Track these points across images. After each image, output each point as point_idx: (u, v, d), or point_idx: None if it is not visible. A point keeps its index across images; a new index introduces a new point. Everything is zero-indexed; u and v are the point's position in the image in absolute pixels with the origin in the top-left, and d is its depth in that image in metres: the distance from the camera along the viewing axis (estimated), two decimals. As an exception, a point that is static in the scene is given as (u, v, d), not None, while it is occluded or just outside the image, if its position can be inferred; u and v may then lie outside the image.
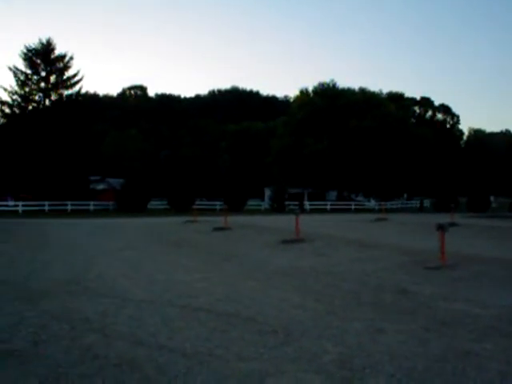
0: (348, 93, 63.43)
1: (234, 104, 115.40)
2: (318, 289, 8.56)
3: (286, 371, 4.44)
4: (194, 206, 31.24)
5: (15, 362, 4.69)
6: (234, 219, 23.57)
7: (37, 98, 48.26)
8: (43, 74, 48.06)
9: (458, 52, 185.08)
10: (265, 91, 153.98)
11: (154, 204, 51.12)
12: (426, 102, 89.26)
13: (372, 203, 59.89)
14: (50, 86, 48.25)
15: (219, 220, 22.29)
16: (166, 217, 34.61)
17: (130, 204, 43.99)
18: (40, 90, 48.01)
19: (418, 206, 60.60)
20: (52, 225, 25.50)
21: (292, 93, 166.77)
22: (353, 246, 13.97)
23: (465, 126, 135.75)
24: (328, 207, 54.03)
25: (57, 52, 48.57)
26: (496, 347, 5.11)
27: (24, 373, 4.39)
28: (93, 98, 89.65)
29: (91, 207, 46.36)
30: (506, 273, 9.50)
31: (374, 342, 5.31)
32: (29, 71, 47.90)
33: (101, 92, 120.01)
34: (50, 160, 44.16)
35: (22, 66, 47.75)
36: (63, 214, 40.23)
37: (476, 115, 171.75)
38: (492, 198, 59.59)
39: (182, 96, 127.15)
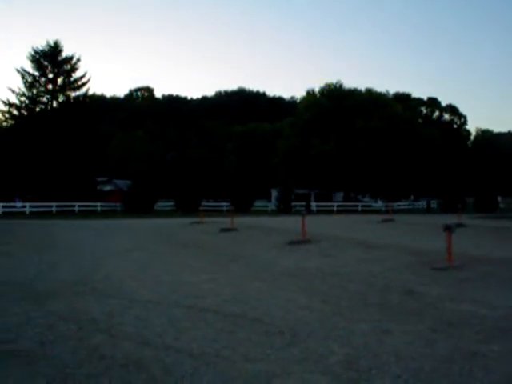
0: (354, 93, 63.31)
1: (241, 105, 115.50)
2: (325, 290, 8.55)
3: (293, 372, 4.44)
4: (201, 207, 31.28)
5: (22, 362, 4.71)
6: (240, 220, 23.58)
7: (44, 99, 48.56)
8: (51, 75, 48.33)
9: (465, 52, 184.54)
10: (271, 92, 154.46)
11: (160, 205, 51.24)
12: (432, 103, 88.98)
13: (379, 204, 59.75)
14: (57, 87, 48.52)
15: (226, 221, 22.30)
16: (173, 218, 34.66)
17: (136, 205, 44.11)
18: (47, 91, 48.28)
19: (425, 206, 60.35)
20: (59, 226, 25.60)
21: (298, 94, 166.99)
22: (359, 247, 13.93)
23: (472, 127, 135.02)
24: (335, 208, 53.93)
25: (64, 54, 48.97)
26: (503, 348, 5.09)
27: (31, 373, 4.41)
28: (100, 100, 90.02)
29: (98, 208, 46.53)
30: (513, 274, 9.44)
31: (380, 343, 5.30)
32: (36, 73, 48.21)
33: (108, 93, 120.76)
34: (57, 161, 44.38)
35: (29, 68, 48.14)
36: (70, 215, 40.38)
37: (483, 115, 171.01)
38: (500, 199, 59.24)
39: (189, 97, 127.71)
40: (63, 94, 48.93)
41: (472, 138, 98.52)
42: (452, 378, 4.31)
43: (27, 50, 54.96)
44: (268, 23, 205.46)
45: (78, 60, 49.24)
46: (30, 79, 47.95)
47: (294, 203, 51.46)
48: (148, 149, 78.26)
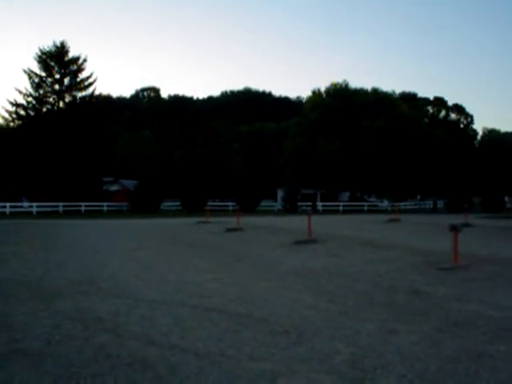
0: (360, 93, 63.20)
1: (247, 105, 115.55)
2: (331, 289, 8.54)
3: (298, 371, 4.44)
4: (207, 207, 31.32)
5: (29, 361, 4.74)
6: (246, 220, 23.59)
7: (51, 100, 48.75)
8: (57, 76, 48.54)
9: (472, 51, 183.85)
10: (277, 92, 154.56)
11: (166, 205, 51.34)
12: (439, 102, 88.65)
13: (385, 204, 59.61)
14: (64, 88, 48.72)
15: (232, 221, 22.32)
16: (179, 218, 34.72)
17: (143, 205, 44.23)
18: (54, 92, 48.48)
19: (432, 206, 60.18)
20: (66, 226, 25.70)
21: (304, 93, 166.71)
22: (366, 247, 13.91)
23: (479, 126, 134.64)
24: (341, 208, 53.86)
25: (70, 54, 49.18)
26: (509, 349, 5.07)
27: (38, 372, 4.43)
28: (106, 100, 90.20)
29: (105, 208, 46.68)
30: (520, 274, 9.40)
31: (386, 343, 5.29)
32: (43, 74, 48.43)
33: (114, 94, 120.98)
34: (64, 161, 44.56)
35: (36, 68, 48.38)
36: (77, 214, 40.54)
37: (490, 115, 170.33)
38: (507, 199, 58.96)
39: (195, 97, 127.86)
40: (70, 95, 49.14)
41: (479, 137, 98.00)
42: (458, 378, 4.29)
43: (34, 51, 55.22)
44: (274, 23, 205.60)
45: (85, 60, 49.51)
46: (36, 80, 48.20)
47: (300, 203, 51.41)
48: (154, 149, 78.47)
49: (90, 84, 49.69)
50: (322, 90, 65.25)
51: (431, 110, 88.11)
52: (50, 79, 48.45)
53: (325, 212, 49.31)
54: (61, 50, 48.53)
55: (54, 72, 48.48)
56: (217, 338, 5.47)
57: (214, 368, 4.50)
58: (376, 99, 61.15)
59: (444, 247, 12.17)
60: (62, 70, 48.59)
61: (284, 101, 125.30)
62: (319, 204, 55.11)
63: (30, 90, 47.93)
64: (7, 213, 39.84)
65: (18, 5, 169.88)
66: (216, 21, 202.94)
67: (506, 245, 14.99)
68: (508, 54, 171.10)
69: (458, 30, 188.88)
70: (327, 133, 57.85)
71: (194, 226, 24.21)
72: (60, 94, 48.54)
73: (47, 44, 49.37)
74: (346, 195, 63.03)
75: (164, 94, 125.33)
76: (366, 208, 55.17)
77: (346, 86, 64.32)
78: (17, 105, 47.62)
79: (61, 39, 49.33)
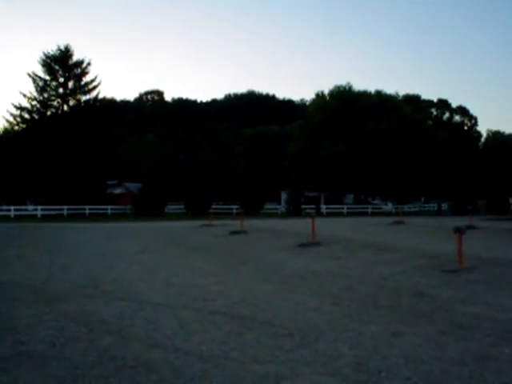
0: (364, 96, 63.16)
1: (250, 108, 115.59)
2: (335, 292, 8.53)
3: (302, 374, 4.44)
4: (211, 210, 31.32)
5: (34, 363, 4.76)
6: (250, 223, 23.59)
7: (55, 103, 48.91)
8: (61, 79, 48.72)
9: (476, 53, 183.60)
10: (281, 95, 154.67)
11: (170, 208, 51.39)
12: (442, 104, 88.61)
13: (389, 206, 59.55)
14: (68, 91, 48.88)
15: (235, 224, 22.32)
16: (183, 221, 34.75)
17: (147, 208, 44.28)
18: (58, 95, 48.64)
19: (436, 209, 60.07)
20: (70, 229, 25.76)
21: (308, 96, 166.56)
22: (369, 250, 13.88)
23: (483, 128, 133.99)
24: (344, 211, 53.82)
25: (74, 58, 49.33)
26: (514, 351, 5.05)
27: (42, 374, 4.45)
28: (110, 103, 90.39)
29: (109, 211, 46.77)
30: (525, 276, 9.37)
31: (390, 345, 5.28)
32: (47, 77, 48.60)
33: (118, 97, 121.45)
34: (68, 165, 44.67)
35: (40, 72, 48.56)
36: (81, 218, 40.64)
37: (494, 117, 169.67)
38: (511, 201, 58.78)
39: (199, 100, 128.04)
40: (74, 98, 49.30)
41: (483, 139, 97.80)
42: (462, 380, 4.28)
43: (38, 55, 55.42)
44: (277, 26, 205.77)
45: (89, 64, 49.66)
46: (41, 83, 48.38)
47: (303, 206, 51.41)
48: (158, 152, 78.57)
49: (94, 87, 49.86)
50: (326, 92, 65.30)
51: (435, 112, 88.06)
52: (54, 83, 48.63)
53: (329, 215, 49.25)
54: (65, 54, 48.72)
55: (59, 75, 48.67)
56: (221, 340, 5.48)
57: (217, 371, 4.51)
58: (379, 101, 61.11)
59: (448, 249, 12.14)
60: (66, 74, 48.77)
61: (287, 103, 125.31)
62: (323, 207, 55.09)
63: (35, 94, 48.18)
64: (12, 216, 39.98)
65: (22, 9, 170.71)
66: (219, 24, 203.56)
67: (511, 247, 14.94)
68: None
69: (461, 32, 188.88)
70: (331, 135, 57.84)
71: (198, 228, 24.22)
72: (64, 98, 48.70)
73: (51, 48, 49.72)
74: (349, 198, 62.99)
75: (168, 98, 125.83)
76: (369, 210, 55.11)
77: (350, 88, 64.29)
78: (21, 108, 47.81)
79: (65, 43, 49.76)
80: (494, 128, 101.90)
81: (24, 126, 48.49)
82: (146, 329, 6.00)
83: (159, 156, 76.65)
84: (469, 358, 4.83)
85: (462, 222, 22.52)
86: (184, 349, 5.17)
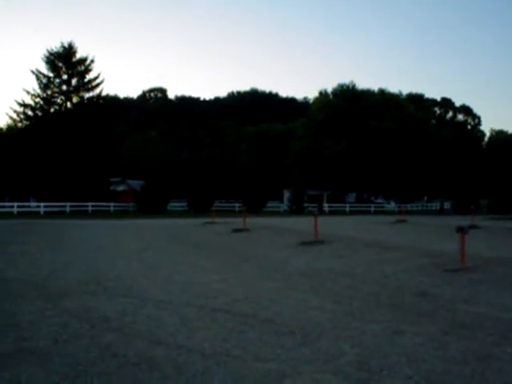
0: (367, 94, 63.12)
1: (254, 106, 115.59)
2: (337, 290, 8.53)
3: (303, 372, 4.44)
4: (213, 208, 31.32)
5: (37, 359, 4.76)
6: (252, 221, 23.59)
7: (59, 100, 49.01)
8: (65, 77, 48.78)
9: (479, 52, 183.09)
10: (284, 93, 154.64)
11: (173, 205, 51.45)
12: (446, 103, 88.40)
13: (392, 205, 59.50)
14: (71, 88, 48.95)
15: (238, 221, 22.32)
16: (185, 218, 34.77)
17: (149, 205, 44.34)
18: (62, 92, 48.71)
19: (439, 208, 59.96)
20: (73, 226, 25.79)
21: (311, 94, 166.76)
22: (372, 248, 13.87)
23: (486, 127, 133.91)
24: (347, 209, 53.78)
25: (78, 55, 49.42)
26: (516, 350, 5.04)
27: (45, 371, 4.45)
28: (113, 101, 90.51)
29: (111, 208, 46.84)
30: (527, 276, 9.35)
31: (391, 344, 5.28)
32: (51, 74, 48.69)
33: (121, 94, 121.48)
34: (71, 162, 44.76)
35: (44, 69, 48.64)
36: (84, 215, 40.68)
37: (498, 116, 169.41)
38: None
39: (202, 98, 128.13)
40: (77, 95, 49.37)
41: (486, 138, 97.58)
42: (464, 379, 4.28)
43: (41, 52, 55.45)
44: (281, 24, 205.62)
45: (92, 61, 49.71)
46: (44, 80, 48.45)
47: (306, 204, 51.40)
48: (161, 149, 78.62)
49: (98, 85, 49.94)
50: (329, 90, 65.34)
51: (438, 111, 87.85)
52: (57, 80, 48.70)
53: (331, 213, 49.24)
54: (68, 51, 48.77)
55: (62, 73, 48.72)
56: (223, 338, 5.48)
57: (219, 368, 4.51)
58: (383, 100, 61.06)
59: (451, 249, 12.12)
60: (70, 71, 48.82)
61: (291, 101, 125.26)
62: (326, 205, 55.07)
63: (38, 91, 48.28)
64: (15, 213, 40.05)
65: (26, 6, 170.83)
66: (223, 22, 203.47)
67: (514, 246, 14.91)
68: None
69: (466, 31, 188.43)
70: (334, 134, 57.80)
71: (201, 226, 24.24)
72: (68, 95, 48.76)
73: (55, 45, 49.67)
74: (352, 196, 62.97)
75: (171, 95, 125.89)
76: (372, 209, 55.06)
77: (353, 86, 64.24)
78: (25, 105, 47.89)
79: (68, 40, 49.70)
80: (498, 127, 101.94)
81: (27, 122, 48.60)
82: (149, 326, 6.01)
83: (162, 153, 76.69)
84: (471, 358, 4.82)
85: (464, 221, 22.49)
86: (186, 346, 5.18)
